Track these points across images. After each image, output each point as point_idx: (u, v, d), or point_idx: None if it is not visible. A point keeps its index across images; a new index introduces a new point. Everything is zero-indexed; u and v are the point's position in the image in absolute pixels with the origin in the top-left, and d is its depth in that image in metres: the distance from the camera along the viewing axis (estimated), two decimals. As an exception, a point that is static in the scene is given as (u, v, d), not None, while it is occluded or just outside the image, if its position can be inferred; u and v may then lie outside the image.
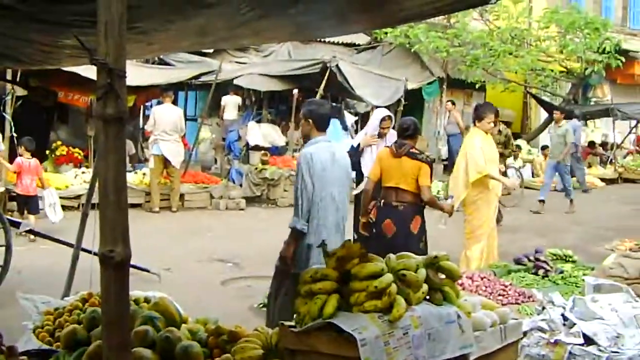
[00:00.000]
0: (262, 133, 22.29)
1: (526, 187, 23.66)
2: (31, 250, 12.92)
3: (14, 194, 15.57)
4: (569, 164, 21.96)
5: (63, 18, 5.00)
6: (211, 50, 22.97)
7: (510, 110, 30.67)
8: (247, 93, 24.97)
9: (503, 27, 27.12)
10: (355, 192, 11.72)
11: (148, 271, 11.52)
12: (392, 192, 9.89)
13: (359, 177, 11.93)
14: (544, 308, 8.01)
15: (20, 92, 18.05)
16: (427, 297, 5.49)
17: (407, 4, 5.46)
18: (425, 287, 5.43)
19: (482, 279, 9.37)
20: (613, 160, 30.66)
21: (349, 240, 5.60)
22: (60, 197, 17.05)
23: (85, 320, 6.20)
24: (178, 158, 19.28)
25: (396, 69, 25.85)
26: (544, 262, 10.53)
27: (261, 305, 9.35)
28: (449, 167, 24.03)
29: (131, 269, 3.64)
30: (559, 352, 7.29)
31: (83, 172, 19.01)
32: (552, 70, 28.84)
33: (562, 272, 10.34)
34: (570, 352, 7.22)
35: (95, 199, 3.69)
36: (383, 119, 11.59)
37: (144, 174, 19.68)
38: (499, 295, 8.85)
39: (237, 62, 25.34)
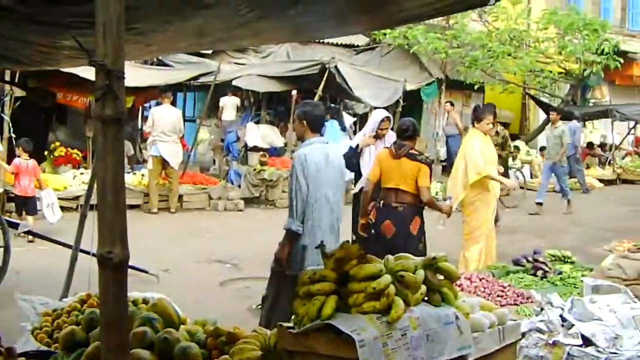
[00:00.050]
0: (260, 134, 22.29)
1: (528, 189, 23.67)
2: (29, 251, 12.92)
3: (12, 195, 15.56)
4: (565, 165, 21.96)
5: (61, 19, 5.00)
6: (210, 52, 22.98)
7: (508, 111, 30.69)
8: (246, 94, 24.98)
9: (502, 28, 27.13)
10: (354, 191, 11.73)
11: (146, 272, 11.52)
12: (391, 193, 9.90)
13: (358, 178, 11.93)
14: (542, 309, 8.02)
15: (19, 93, 18.08)
16: (426, 298, 5.49)
17: (406, 5, 5.46)
18: (423, 288, 5.43)
19: (480, 280, 9.36)
20: (611, 161, 30.67)
21: (347, 241, 5.58)
22: (59, 198, 17.05)
23: (84, 321, 6.20)
24: (176, 159, 19.28)
25: (395, 70, 25.85)
26: (543, 263, 10.53)
27: (260, 307, 9.34)
28: (447, 168, 24.03)
29: (129, 270, 3.64)
30: (557, 353, 7.29)
31: (82, 173, 19.01)
32: (550, 72, 28.85)
33: (560, 273, 10.33)
34: (568, 353, 7.22)
35: (93, 200, 3.69)
36: (382, 120, 11.59)
37: (142, 175, 19.69)
38: (498, 296, 8.84)
39: (235, 63, 25.36)
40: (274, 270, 8.25)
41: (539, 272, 10.28)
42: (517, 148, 26.46)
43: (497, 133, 16.73)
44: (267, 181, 20.84)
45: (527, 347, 7.42)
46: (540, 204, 21.01)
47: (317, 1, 5.18)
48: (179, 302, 6.82)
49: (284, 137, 23.27)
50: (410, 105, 23.83)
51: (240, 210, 19.80)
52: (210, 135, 27.22)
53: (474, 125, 12.31)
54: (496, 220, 13.93)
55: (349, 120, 24.36)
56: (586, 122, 32.83)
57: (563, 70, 29.68)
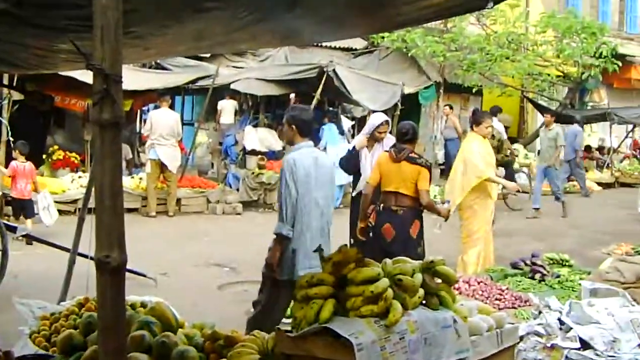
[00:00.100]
0: (258, 137, 22.28)
1: (524, 192, 23.65)
2: (27, 254, 12.90)
3: (10, 198, 15.56)
4: (558, 168, 21.96)
5: (59, 23, 5.00)
6: (208, 55, 23.00)
7: (507, 114, 30.66)
8: (244, 97, 24.96)
9: (500, 31, 27.12)
10: (354, 193, 11.73)
11: (144, 276, 11.52)
12: (391, 197, 9.90)
13: (357, 180, 11.93)
14: (540, 312, 8.02)
15: (17, 96, 18.08)
16: (424, 301, 5.50)
17: (404, 9, 5.47)
18: (421, 291, 5.43)
19: (478, 283, 9.37)
20: (610, 165, 30.66)
21: (345, 245, 5.59)
22: (57, 202, 17.06)
23: (82, 325, 6.20)
24: (175, 162, 19.27)
25: (393, 74, 25.84)
26: (541, 266, 10.54)
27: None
28: (445, 171, 24.00)
29: (128, 274, 3.65)
30: (555, 357, 7.28)
31: (80, 177, 18.99)
32: (548, 75, 28.82)
33: (558, 276, 10.34)
34: (566, 357, 7.22)
35: (91, 204, 3.69)
36: (381, 124, 11.58)
37: (140, 178, 19.67)
38: (496, 299, 8.85)
39: (234, 66, 25.34)
40: (265, 275, 8.27)
41: (537, 276, 10.28)
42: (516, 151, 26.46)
43: (492, 136, 16.71)
44: (266, 184, 20.83)
45: (525, 351, 7.41)
46: (538, 208, 20.98)
47: (315, 5, 5.19)
48: (177, 306, 6.82)
49: (282, 140, 23.25)
50: (409, 108, 23.82)
51: (239, 214, 19.79)
52: (208, 139, 27.21)
53: (472, 129, 12.31)
54: (492, 222, 13.93)
55: (347, 123, 24.36)
56: (584, 126, 32.83)
57: (561, 74, 29.66)
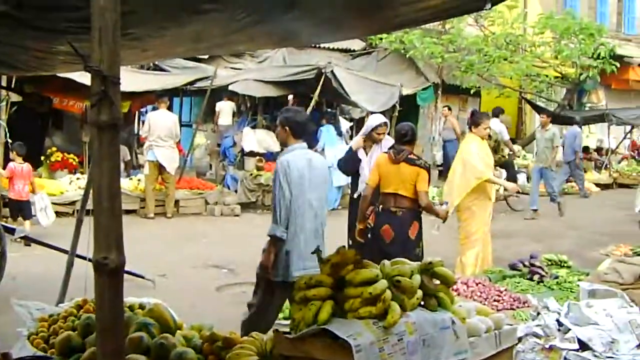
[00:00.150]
0: (257, 139, 22.29)
1: (523, 193, 23.66)
2: (26, 256, 12.90)
3: (7, 200, 15.55)
4: (554, 169, 21.96)
5: (57, 25, 5.00)
6: (206, 56, 22.98)
7: (505, 115, 30.68)
8: (242, 99, 24.98)
9: (498, 32, 27.12)
10: (356, 194, 11.73)
11: (143, 277, 11.52)
12: (390, 198, 9.91)
13: (355, 181, 11.94)
14: (538, 313, 8.01)
15: (15, 98, 18.05)
16: (422, 303, 5.50)
17: (402, 10, 5.47)
18: (419, 293, 5.43)
19: (477, 284, 9.36)
20: (608, 166, 30.67)
21: (343, 246, 5.59)
22: (55, 203, 17.08)
23: (80, 326, 6.20)
24: (173, 164, 19.28)
25: (391, 75, 25.86)
26: (539, 267, 10.53)
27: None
28: (444, 172, 23.99)
29: (126, 275, 3.64)
30: (554, 358, 7.29)
31: (78, 178, 18.98)
32: (547, 76, 28.82)
33: (557, 277, 10.33)
34: (565, 358, 7.22)
35: (90, 205, 3.69)
36: (379, 125, 11.58)
37: (139, 180, 19.67)
38: (494, 300, 8.84)
39: (232, 68, 25.33)
40: (259, 277, 8.31)
41: (536, 277, 10.28)
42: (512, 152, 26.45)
43: (489, 137, 16.70)
44: (264, 186, 20.81)
45: (523, 352, 7.42)
46: (536, 210, 20.98)
47: (313, 6, 5.19)
48: (175, 308, 6.82)
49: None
50: (407, 109, 23.84)
51: (237, 215, 19.79)
52: (206, 140, 27.21)
53: (471, 130, 12.31)
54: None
55: (345, 125, 24.37)
56: (582, 127, 32.86)
57: (559, 75, 29.66)
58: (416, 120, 26.80)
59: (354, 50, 29.48)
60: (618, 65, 27.49)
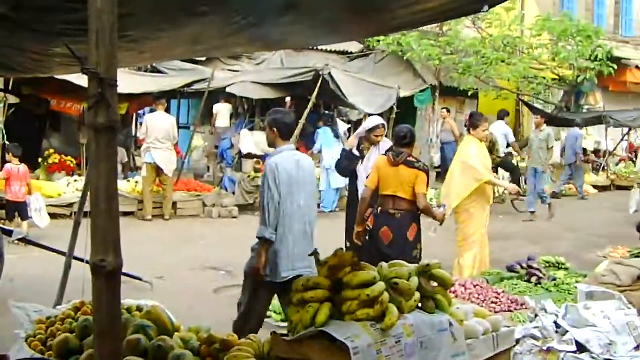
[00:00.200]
0: (254, 141, 22.27)
1: (524, 195, 23.67)
2: (23, 258, 12.88)
3: (5, 202, 15.54)
4: (548, 172, 21.96)
5: (55, 27, 5.00)
6: (204, 59, 22.95)
7: (503, 117, 30.74)
8: (240, 101, 24.97)
9: (495, 35, 27.10)
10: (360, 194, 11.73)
11: (140, 279, 11.51)
12: (389, 200, 9.92)
13: (354, 182, 11.97)
14: (536, 315, 8.03)
15: (13, 100, 18.06)
16: (420, 305, 5.50)
17: (399, 13, 5.47)
18: (417, 295, 5.43)
19: (475, 286, 9.38)
20: (606, 168, 30.69)
21: (341, 248, 5.59)
22: (53, 205, 17.10)
23: (78, 329, 6.20)
24: (171, 166, 19.27)
25: (389, 77, 25.86)
26: (537, 269, 10.55)
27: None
28: (442, 174, 24.00)
29: (123, 278, 3.65)
30: (551, 360, 7.30)
31: (75, 181, 18.96)
32: (544, 78, 28.80)
33: (554, 279, 10.35)
34: (563, 360, 7.23)
35: (87, 207, 3.69)
36: (377, 127, 11.59)
37: (136, 182, 19.67)
38: (492, 302, 8.86)
39: (229, 70, 25.32)
40: (246, 276, 8.36)
41: (533, 279, 10.30)
42: (510, 154, 26.46)
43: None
44: (261, 188, 20.78)
45: (521, 354, 7.42)
46: (533, 212, 21.00)
47: (311, 9, 5.19)
48: (173, 310, 6.82)
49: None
50: (404, 112, 23.86)
51: (235, 217, 19.78)
52: (204, 142, 27.22)
53: (470, 132, 12.31)
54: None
55: (343, 127, 24.37)
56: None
57: (557, 77, 29.65)
58: (414, 123, 26.78)
59: (351, 53, 29.46)
60: (615, 67, 27.47)
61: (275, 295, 8.56)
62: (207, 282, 12.68)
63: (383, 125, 11.82)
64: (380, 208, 10.02)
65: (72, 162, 20.39)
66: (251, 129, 23.43)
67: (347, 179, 12.49)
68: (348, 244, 11.21)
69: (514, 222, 20.35)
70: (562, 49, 27.26)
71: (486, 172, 12.00)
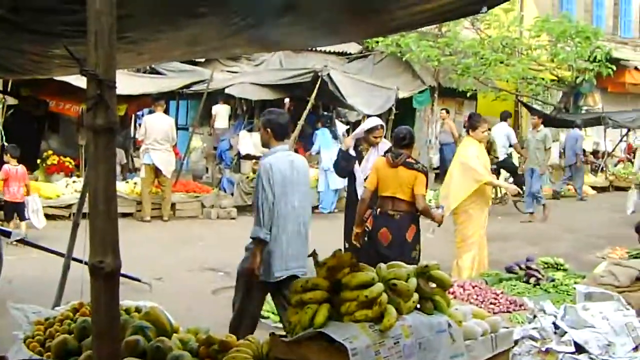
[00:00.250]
0: (253, 142, 22.24)
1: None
2: (22, 259, 12.87)
3: (2, 203, 15.54)
4: (546, 173, 21.95)
5: (54, 28, 5.00)
6: (202, 60, 22.96)
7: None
8: (239, 102, 24.98)
9: (494, 35, 27.13)
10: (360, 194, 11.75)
11: (139, 280, 11.51)
12: (388, 201, 9.94)
13: (352, 182, 11.98)
14: (535, 316, 8.02)
15: (12, 101, 18.07)
16: (418, 306, 5.50)
17: (398, 14, 5.47)
18: (416, 296, 5.43)
19: (473, 287, 9.37)
20: (604, 169, 30.71)
21: (340, 249, 5.59)
22: (51, 207, 17.12)
23: (76, 330, 6.19)
24: (169, 167, 19.27)
25: (387, 78, 25.87)
26: (536, 270, 10.54)
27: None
28: (440, 175, 24.03)
29: (122, 279, 3.65)
30: (550, 361, 7.30)
31: (74, 182, 18.96)
32: (543, 79, 28.85)
33: (553, 280, 10.35)
34: (561, 361, 7.23)
35: (86, 209, 3.69)
36: (376, 128, 11.60)
37: (135, 183, 19.66)
38: (490, 303, 8.85)
39: (228, 71, 25.33)
40: (239, 275, 8.43)
41: (532, 280, 10.29)
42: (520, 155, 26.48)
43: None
44: (260, 189, 20.77)
45: (519, 355, 7.42)
46: (532, 213, 21.00)
47: (308, 10, 5.19)
48: (171, 311, 6.81)
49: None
50: (403, 113, 23.87)
51: (233, 219, 19.77)
52: (203, 144, 27.22)
53: (469, 134, 12.32)
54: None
55: (341, 128, 24.37)
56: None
57: (555, 78, 29.68)
58: (412, 124, 26.76)
59: (350, 54, 29.49)
60: (614, 68, 27.49)
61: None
62: (206, 283, 12.68)
63: (382, 126, 11.83)
64: (379, 209, 10.03)
65: (70, 163, 20.38)
66: (250, 130, 23.43)
67: (346, 180, 12.48)
68: (347, 245, 11.21)
69: (513, 223, 20.35)
70: (560, 50, 27.29)
71: (485, 172, 12.01)
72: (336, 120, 24.52)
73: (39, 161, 20.03)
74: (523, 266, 10.81)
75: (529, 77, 27.96)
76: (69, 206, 17.60)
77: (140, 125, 21.90)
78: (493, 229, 14.90)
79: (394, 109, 22.50)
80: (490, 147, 17.72)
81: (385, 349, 4.96)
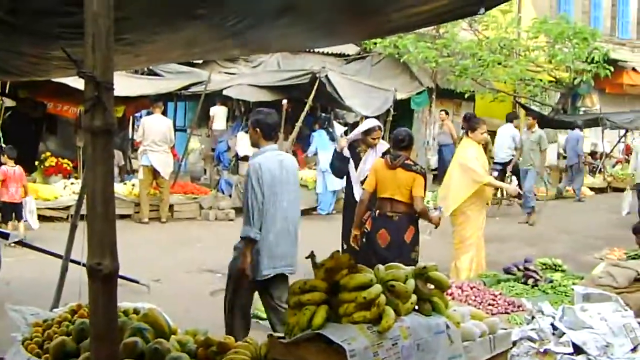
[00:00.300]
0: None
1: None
2: (20, 261, 12.86)
3: (1, 204, 15.54)
4: (544, 174, 21.92)
5: (51, 30, 5.00)
6: (200, 61, 22.98)
7: (499, 120, 30.64)
8: (237, 104, 24.97)
9: (492, 37, 27.16)
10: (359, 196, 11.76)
11: (137, 282, 11.50)
12: (387, 203, 9.95)
13: (350, 183, 12.00)
14: (533, 317, 8.03)
15: (9, 103, 18.06)
16: (416, 307, 5.50)
17: (394, 16, 5.47)
18: (414, 297, 5.43)
19: (471, 288, 9.36)
20: (602, 170, 30.72)
21: (337, 251, 5.59)
22: (49, 208, 17.11)
23: (74, 332, 6.19)
24: (167, 169, 19.25)
25: (385, 79, 25.88)
26: (534, 271, 10.54)
27: (250, 316, 9.35)
28: (439, 176, 24.02)
29: (120, 280, 3.65)
30: (548, 362, 7.30)
31: (72, 183, 18.93)
32: (541, 80, 28.86)
33: (551, 281, 10.34)
34: (559, 362, 7.23)
35: (84, 210, 3.69)
36: (373, 129, 11.60)
37: (133, 185, 19.65)
38: (489, 304, 8.84)
39: (226, 72, 25.33)
40: (231, 276, 8.53)
41: (530, 281, 10.29)
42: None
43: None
44: (258, 191, 20.75)
45: (518, 356, 7.42)
46: (529, 213, 20.98)
47: (306, 12, 5.19)
48: (169, 312, 6.81)
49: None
50: (401, 114, 23.88)
51: (231, 220, 19.75)
52: (201, 145, 27.21)
53: (468, 135, 12.33)
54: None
55: (339, 129, 24.38)
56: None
57: (553, 79, 29.69)
58: (410, 125, 26.78)
59: (348, 55, 29.50)
60: (612, 69, 27.51)
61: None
62: (204, 284, 12.67)
63: (379, 127, 11.83)
64: (378, 211, 10.04)
65: (68, 164, 20.36)
66: (248, 132, 23.38)
67: (345, 182, 12.49)
68: (345, 246, 11.22)
69: (510, 224, 20.35)
70: (558, 51, 27.32)
71: (485, 173, 12.03)
72: (334, 122, 24.52)
73: (36, 163, 20.01)
74: (521, 267, 10.80)
75: (527, 79, 27.97)
76: (67, 208, 17.58)
77: (138, 126, 21.88)
78: (490, 230, 14.89)
79: (391, 110, 22.50)
80: (485, 147, 17.72)
81: (384, 350, 4.96)
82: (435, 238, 11.15)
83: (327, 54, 28.22)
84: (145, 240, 16.20)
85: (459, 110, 30.06)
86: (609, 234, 18.20)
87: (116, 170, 20.77)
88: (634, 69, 34.74)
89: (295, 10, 5.10)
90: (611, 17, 39.84)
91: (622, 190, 27.51)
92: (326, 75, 20.75)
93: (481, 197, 12.01)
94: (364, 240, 10.26)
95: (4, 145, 16.55)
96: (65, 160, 20.40)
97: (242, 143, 22.16)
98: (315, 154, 21.80)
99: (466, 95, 27.78)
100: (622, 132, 32.12)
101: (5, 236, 11.87)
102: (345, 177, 12.21)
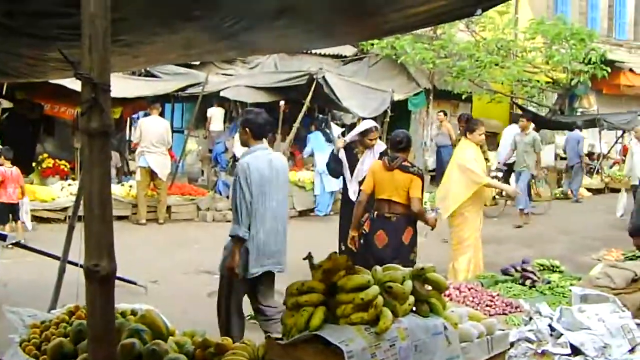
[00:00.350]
0: (248, 145, 22.23)
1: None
2: (17, 262, 12.86)
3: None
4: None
5: (49, 32, 4.99)
6: (197, 62, 22.98)
7: (496, 121, 30.70)
8: (234, 105, 24.97)
9: (489, 38, 27.18)
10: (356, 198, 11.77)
11: (135, 283, 11.51)
12: (384, 204, 9.96)
13: (346, 183, 12.02)
14: (531, 318, 8.02)
15: (7, 104, 18.06)
16: (414, 308, 5.49)
17: (392, 17, 5.47)
18: (411, 298, 5.43)
19: (469, 289, 9.36)
20: (600, 170, 30.74)
21: (335, 252, 5.59)
22: (47, 210, 17.12)
23: (72, 333, 6.19)
24: (165, 170, 19.27)
25: (382, 81, 25.90)
26: (531, 272, 10.52)
27: (248, 317, 9.35)
28: (436, 177, 24.02)
29: (118, 282, 3.64)
30: (546, 363, 7.29)
31: (69, 185, 18.96)
32: (538, 81, 28.89)
33: (549, 282, 10.33)
34: (557, 363, 7.23)
35: (81, 212, 3.68)
36: (370, 130, 11.61)
37: (130, 186, 19.66)
38: (486, 306, 8.84)
39: (223, 74, 25.33)
40: (222, 276, 8.66)
41: (528, 282, 10.27)
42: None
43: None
44: (255, 192, 20.75)
45: (515, 357, 7.41)
46: (527, 214, 20.97)
47: (303, 13, 5.19)
48: (167, 314, 6.81)
49: (272, 147, 23.20)
50: (398, 115, 23.90)
51: (229, 221, 19.64)
52: (198, 146, 27.23)
53: (466, 136, 12.33)
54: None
55: (337, 130, 24.38)
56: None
57: (550, 80, 29.72)
58: (408, 126, 26.83)
59: (345, 56, 29.52)
60: (609, 70, 27.56)
61: None
62: (202, 285, 12.66)
63: (376, 128, 11.85)
64: (376, 212, 10.06)
65: (65, 166, 20.36)
66: (241, 132, 23.38)
67: (342, 183, 12.50)
68: (342, 247, 11.22)
69: (507, 225, 20.34)
70: (555, 52, 27.34)
71: (484, 174, 12.04)
72: (331, 123, 24.52)
73: (34, 164, 20.01)
74: (519, 268, 10.79)
75: (524, 80, 28.01)
76: (65, 209, 17.60)
77: (135, 128, 21.89)
78: (488, 231, 14.91)
79: (389, 111, 22.52)
80: (480, 148, 17.70)
81: (381, 351, 4.96)
82: (432, 239, 11.14)
83: (325, 55, 28.23)
84: (142, 241, 16.21)
85: (456, 112, 30.08)
86: (606, 235, 18.21)
87: (113, 172, 20.80)
88: (631, 70, 34.78)
89: (292, 12, 5.09)
90: (608, 18, 39.89)
91: (619, 191, 27.59)
92: (323, 77, 20.76)
93: (479, 198, 12.02)
94: (361, 241, 10.27)
95: (1, 147, 16.54)
96: (63, 162, 20.40)
97: (239, 144, 22.15)
98: (312, 155, 21.81)
99: (463, 97, 27.80)
100: (619, 132, 32.14)
101: (3, 238, 11.87)
102: (341, 177, 12.23)
